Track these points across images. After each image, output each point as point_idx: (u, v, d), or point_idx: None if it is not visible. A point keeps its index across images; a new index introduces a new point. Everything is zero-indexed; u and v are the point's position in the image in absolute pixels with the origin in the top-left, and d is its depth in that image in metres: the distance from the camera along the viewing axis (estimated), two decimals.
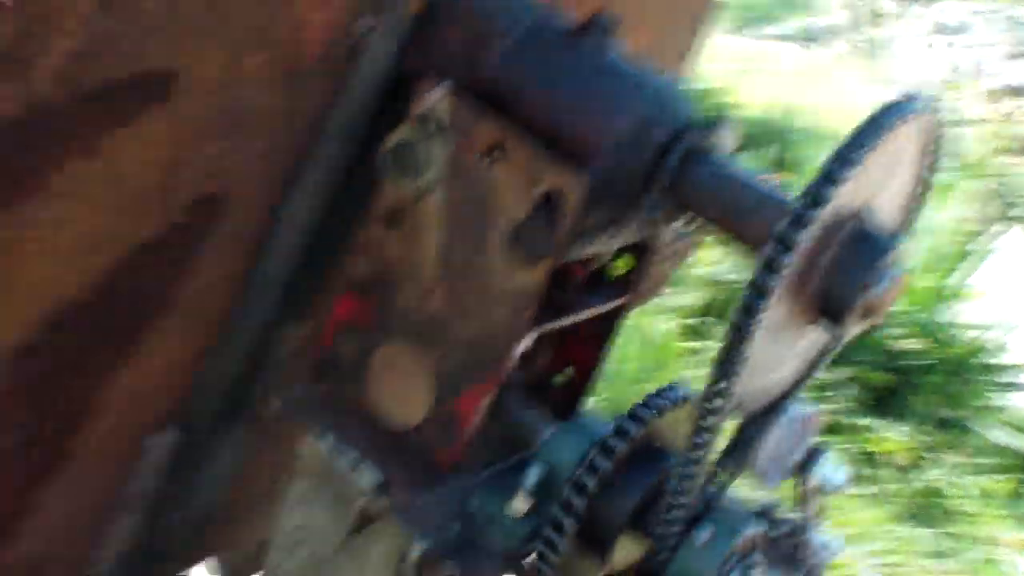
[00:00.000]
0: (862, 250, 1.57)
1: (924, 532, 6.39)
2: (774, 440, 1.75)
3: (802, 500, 1.81)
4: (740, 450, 1.76)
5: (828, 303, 1.58)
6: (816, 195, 1.47)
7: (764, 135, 10.31)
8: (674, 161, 1.68)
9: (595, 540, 1.77)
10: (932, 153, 1.68)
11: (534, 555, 1.72)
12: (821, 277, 1.57)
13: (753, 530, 1.73)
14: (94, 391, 1.82)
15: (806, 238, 1.47)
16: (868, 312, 1.58)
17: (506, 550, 1.73)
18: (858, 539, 6.12)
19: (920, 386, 7.39)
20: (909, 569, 6.02)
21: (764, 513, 1.97)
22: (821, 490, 1.81)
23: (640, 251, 1.93)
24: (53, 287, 1.62)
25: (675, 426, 1.78)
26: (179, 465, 2.01)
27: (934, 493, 6.76)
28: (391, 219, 1.81)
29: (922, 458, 6.88)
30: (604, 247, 1.78)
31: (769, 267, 1.47)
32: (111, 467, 1.95)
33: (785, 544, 1.94)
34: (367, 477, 1.81)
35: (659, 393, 1.76)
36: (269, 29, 1.64)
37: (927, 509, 6.64)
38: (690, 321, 6.96)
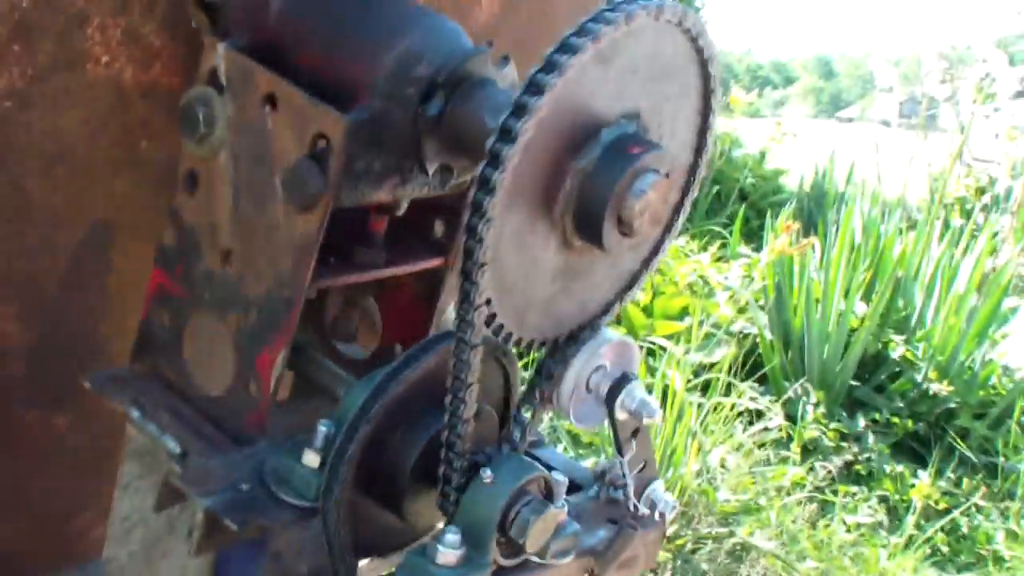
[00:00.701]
0: (610, 156, 1.52)
1: None
2: (578, 372, 1.70)
3: (617, 437, 1.75)
4: (543, 384, 1.71)
5: (580, 217, 1.53)
6: (534, 82, 1.43)
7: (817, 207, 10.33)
8: (435, 93, 1.64)
9: (389, 498, 1.72)
10: (706, 79, 1.63)
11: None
12: (571, 189, 1.52)
13: (546, 476, 1.66)
14: None
15: (527, 127, 1.42)
16: (624, 225, 1.53)
17: (298, 502, 1.68)
18: None
19: (951, 431, 7.25)
20: None
21: (598, 475, 1.92)
22: (633, 422, 1.74)
23: (451, 212, 1.90)
24: None
25: None
26: None
27: (965, 538, 6.59)
28: (188, 182, 1.80)
29: (954, 503, 6.72)
30: (391, 195, 1.75)
31: (493, 160, 1.43)
32: None
33: (616, 505, 1.89)
34: (169, 446, 1.78)
35: (441, 336, 1.71)
36: None
37: (958, 554, 6.47)
38: (705, 378, 6.87)
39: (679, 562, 5.46)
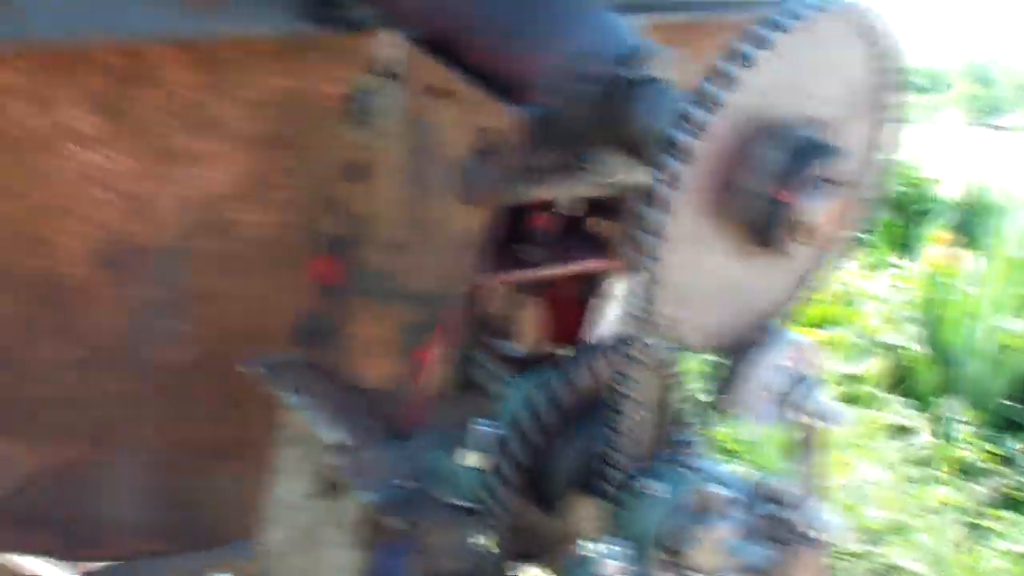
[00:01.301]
0: (787, 161, 1.45)
1: None
2: (758, 372, 1.66)
3: (790, 445, 1.70)
4: (721, 384, 1.67)
5: (754, 221, 1.48)
6: (703, 93, 1.38)
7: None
8: (608, 91, 1.61)
9: (549, 503, 1.71)
10: (884, 79, 1.58)
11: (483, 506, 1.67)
12: (746, 193, 1.48)
13: (711, 490, 1.63)
14: None
15: (710, 122, 1.38)
16: (802, 231, 1.47)
17: (457, 502, 1.67)
18: None
19: None
20: None
21: (764, 489, 1.87)
22: (812, 423, 1.69)
23: (619, 214, 1.87)
24: None
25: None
26: None
27: None
28: (354, 173, 1.80)
29: None
30: (558, 193, 1.72)
31: (673, 158, 1.39)
32: None
33: (775, 521, 1.84)
34: (328, 436, 1.79)
35: (592, 348, 1.69)
36: None
37: None
38: (852, 390, 6.75)
39: None
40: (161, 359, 2.13)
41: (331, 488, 1.82)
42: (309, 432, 1.85)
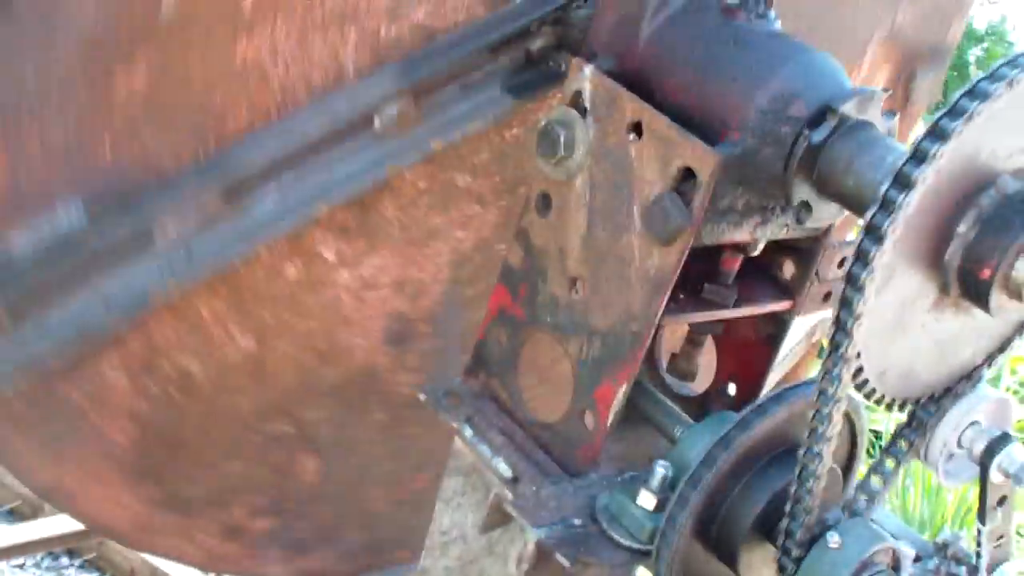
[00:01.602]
0: (1003, 218, 1.41)
1: None
2: (952, 426, 1.61)
3: (984, 502, 1.65)
4: (912, 435, 1.63)
5: (966, 278, 1.44)
6: (919, 149, 1.34)
7: None
8: (812, 134, 1.58)
9: (724, 550, 1.67)
10: None
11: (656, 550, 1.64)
12: (960, 249, 1.44)
13: (894, 546, 1.59)
14: None
15: (923, 177, 1.33)
16: (1016, 291, 1.43)
17: (630, 543, 1.65)
18: None
19: None
20: None
21: (939, 547, 1.83)
22: (1006, 484, 1.64)
23: (804, 255, 1.84)
24: None
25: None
26: None
27: None
28: (541, 204, 1.79)
29: None
30: (751, 235, 1.70)
31: (885, 208, 1.35)
32: None
33: None
34: (500, 469, 1.77)
35: (792, 388, 1.65)
36: None
37: None
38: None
39: None
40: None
41: (499, 522, 1.80)
42: (478, 463, 1.83)
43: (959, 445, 1.61)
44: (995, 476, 1.60)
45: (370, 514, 2.53)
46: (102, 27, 1.73)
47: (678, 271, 1.64)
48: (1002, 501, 1.63)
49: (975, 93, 1.34)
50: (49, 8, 1.69)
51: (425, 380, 2.26)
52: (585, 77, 1.72)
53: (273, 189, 1.89)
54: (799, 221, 1.70)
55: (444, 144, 1.95)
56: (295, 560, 2.50)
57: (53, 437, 2.06)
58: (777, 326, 1.90)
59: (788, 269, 1.86)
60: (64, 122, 1.77)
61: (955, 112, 1.33)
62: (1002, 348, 1.61)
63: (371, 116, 1.90)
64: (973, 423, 1.61)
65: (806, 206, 1.68)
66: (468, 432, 1.83)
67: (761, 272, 1.87)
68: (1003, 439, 1.60)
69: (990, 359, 1.62)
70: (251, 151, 1.88)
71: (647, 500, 1.65)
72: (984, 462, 1.60)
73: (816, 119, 1.60)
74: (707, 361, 2.02)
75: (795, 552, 1.59)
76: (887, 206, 1.34)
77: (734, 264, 1.78)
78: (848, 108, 1.60)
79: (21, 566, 4.95)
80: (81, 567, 5.00)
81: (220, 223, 1.89)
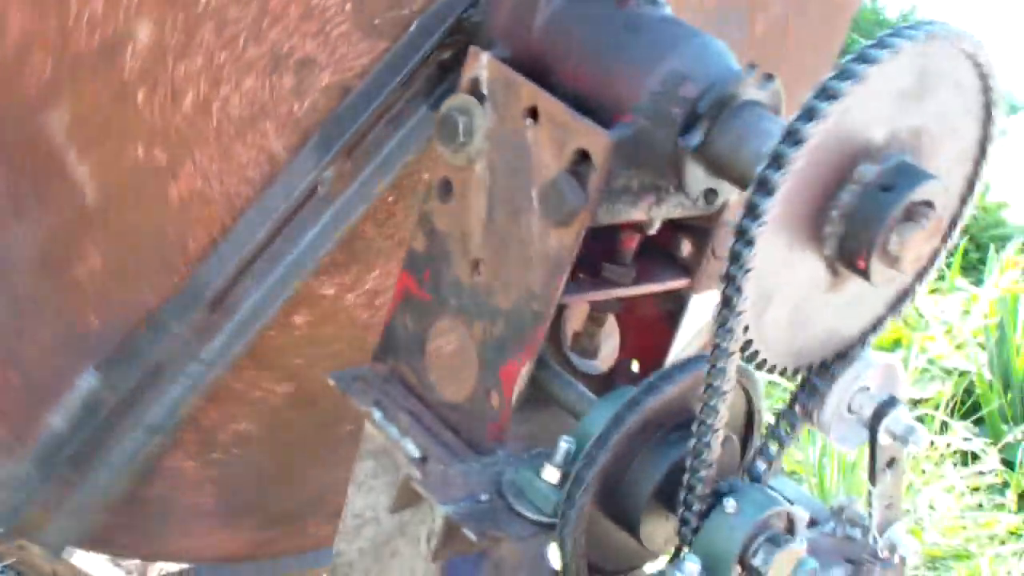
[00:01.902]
0: (883, 188, 1.46)
1: None
2: (842, 391, 1.66)
3: (874, 464, 1.70)
4: (806, 399, 1.68)
5: (846, 248, 1.49)
6: (792, 130, 1.39)
7: None
8: (702, 114, 1.62)
9: (626, 519, 1.72)
10: (983, 100, 1.56)
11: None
12: (840, 219, 1.48)
13: (788, 510, 1.63)
14: None
15: (799, 154, 1.38)
16: (895, 259, 1.47)
17: (537, 517, 1.69)
18: None
19: None
20: None
21: (836, 511, 1.88)
22: (897, 447, 1.69)
23: (700, 233, 1.88)
24: None
25: None
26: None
27: None
28: (443, 191, 1.82)
29: None
30: (647, 215, 1.74)
31: (762, 185, 1.39)
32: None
33: (853, 543, 1.84)
34: (408, 450, 1.80)
35: (686, 363, 1.69)
36: None
37: None
38: (917, 413, 6.67)
39: None
40: None
41: (409, 501, 1.82)
42: (388, 446, 1.86)
43: (849, 410, 1.65)
44: (883, 439, 1.65)
45: None
46: (43, 244, 1.90)
47: (576, 251, 1.68)
48: (891, 463, 1.68)
49: (844, 74, 1.38)
50: None
51: None
52: (482, 65, 1.75)
53: (251, 284, 2.00)
54: (707, 203, 1.74)
55: (388, 183, 2.01)
56: None
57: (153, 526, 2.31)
58: (676, 303, 1.94)
59: (685, 247, 1.90)
60: (47, 321, 1.99)
61: (824, 93, 1.38)
62: (886, 315, 1.66)
63: (314, 185, 1.97)
64: (862, 388, 1.65)
65: (711, 191, 1.73)
66: (377, 415, 1.86)
67: (659, 251, 1.90)
68: (890, 403, 1.65)
69: (876, 326, 1.66)
70: (219, 263, 1.99)
71: (551, 475, 1.68)
72: (873, 425, 1.64)
73: (704, 100, 1.64)
74: (615, 340, 2.05)
75: (693, 519, 1.63)
76: (763, 185, 1.39)
77: (632, 243, 1.82)
78: (735, 88, 1.64)
79: None
80: (2, 572, 4.95)
81: (215, 331, 2.02)
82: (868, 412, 1.65)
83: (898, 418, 1.65)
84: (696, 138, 1.64)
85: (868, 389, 1.67)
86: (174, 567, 3.05)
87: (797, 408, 1.68)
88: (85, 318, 2.00)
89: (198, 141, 1.89)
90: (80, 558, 4.49)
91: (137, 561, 4.21)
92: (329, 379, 1.93)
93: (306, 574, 3.06)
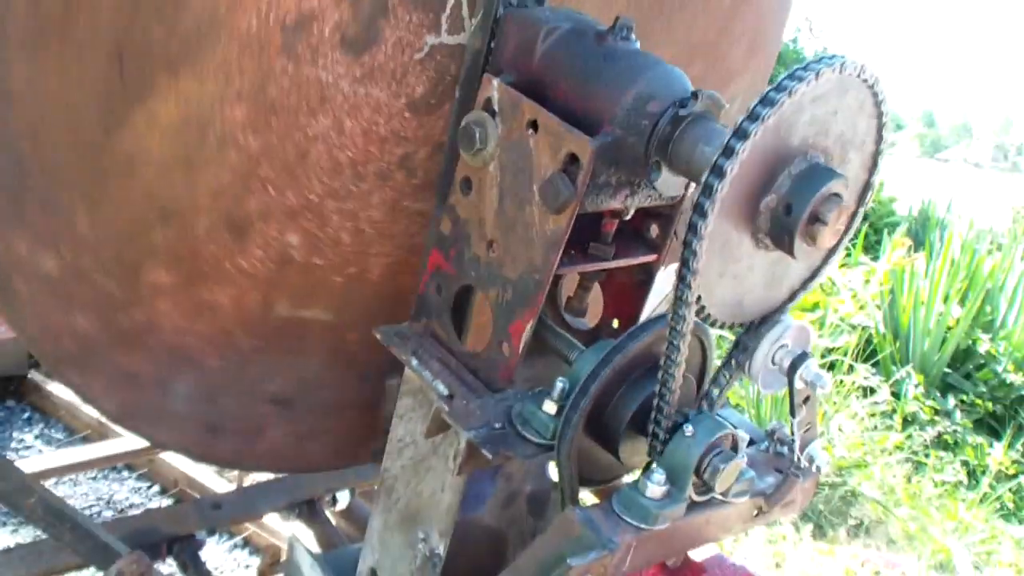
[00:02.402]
0: (803, 183, 1.42)
1: (1016, 527, 5.91)
2: (767, 349, 1.61)
3: (793, 401, 1.65)
4: (739, 355, 1.62)
5: (776, 231, 1.44)
6: (739, 128, 1.35)
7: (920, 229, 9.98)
8: (665, 125, 1.56)
9: (609, 441, 1.66)
10: (878, 118, 1.51)
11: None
12: (770, 208, 1.43)
13: (733, 433, 1.58)
14: None
15: (734, 164, 1.34)
16: (813, 238, 1.43)
17: (538, 440, 1.63)
18: (962, 532, 5.69)
19: (1021, 411, 6.94)
20: (1000, 556, 5.56)
21: (769, 433, 1.83)
22: (808, 389, 1.64)
23: (665, 219, 1.82)
24: None
25: None
26: None
27: None
28: (464, 186, 1.76)
29: (1021, 469, 6.40)
30: (623, 204, 1.68)
31: (715, 170, 1.35)
32: None
33: (781, 458, 1.79)
34: (439, 389, 1.75)
35: (654, 320, 1.64)
36: None
37: (1020, 510, 6.18)
38: (830, 359, 6.66)
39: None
40: None
41: (439, 429, 1.78)
42: (423, 386, 1.81)
43: (772, 363, 1.61)
44: (798, 384, 1.61)
45: None
46: None
47: (568, 233, 1.62)
48: (806, 400, 1.63)
49: (780, 88, 1.33)
50: None
51: None
52: (494, 88, 1.69)
53: None
54: (658, 191, 1.68)
55: None
56: None
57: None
58: (647, 274, 1.88)
59: (654, 230, 1.84)
60: None
61: (766, 102, 1.33)
62: (803, 286, 1.61)
63: None
64: (782, 346, 1.61)
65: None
66: (414, 362, 1.81)
67: (633, 232, 1.84)
68: (802, 356, 1.61)
69: (794, 295, 1.62)
70: None
71: (550, 407, 1.63)
72: (790, 375, 1.60)
73: (669, 114, 1.58)
74: (599, 303, 2.00)
75: (661, 439, 1.58)
76: (716, 172, 1.34)
77: (612, 227, 1.76)
78: (691, 104, 1.58)
79: (94, 478, 4.89)
80: (138, 478, 4.95)
81: None
82: (786, 364, 1.61)
83: (809, 368, 1.61)
84: (661, 143, 1.58)
85: (786, 346, 1.62)
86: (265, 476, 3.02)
87: (733, 361, 1.63)
88: None
89: None
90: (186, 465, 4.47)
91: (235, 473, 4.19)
92: (376, 334, 1.86)
93: (362, 484, 3.03)
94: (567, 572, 1.50)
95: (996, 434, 6.81)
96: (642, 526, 1.53)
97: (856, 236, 8.64)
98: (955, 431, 6.58)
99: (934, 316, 7.01)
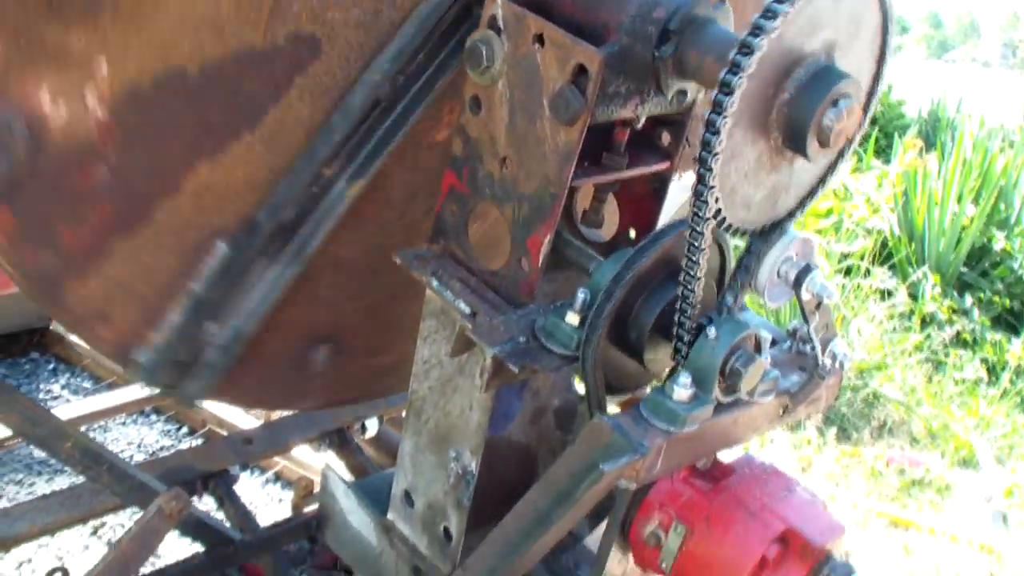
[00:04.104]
0: (815, 84, 1.42)
1: None
2: (772, 263, 1.62)
3: (802, 311, 1.66)
4: (750, 259, 1.63)
5: (789, 131, 1.44)
6: (756, 26, 1.35)
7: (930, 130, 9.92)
8: (672, 30, 1.56)
9: (633, 348, 1.68)
10: (885, 22, 1.51)
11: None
12: (783, 110, 1.43)
13: (755, 333, 1.59)
14: (182, 168, 1.77)
15: (751, 63, 1.34)
16: (824, 139, 1.43)
17: (563, 351, 1.65)
18: (983, 427, 5.73)
19: None
20: (1021, 450, 5.62)
21: (791, 332, 1.84)
22: (815, 300, 1.65)
23: (677, 126, 1.82)
24: (172, 49, 1.63)
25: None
26: (223, 278, 1.91)
27: None
28: (473, 105, 1.76)
29: None
30: (634, 113, 1.68)
31: (724, 87, 1.35)
32: (175, 253, 1.86)
33: (804, 357, 1.81)
34: (461, 308, 1.77)
35: (672, 225, 1.65)
36: None
37: None
38: (847, 264, 6.67)
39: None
40: None
41: (464, 348, 1.79)
42: (445, 307, 1.82)
43: (778, 276, 1.63)
44: (805, 296, 1.63)
45: None
46: None
47: (580, 144, 1.61)
48: (818, 306, 1.65)
49: None
50: None
51: None
52: (498, 5, 1.68)
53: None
54: (678, 103, 1.68)
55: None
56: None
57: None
58: (661, 182, 1.88)
59: (665, 138, 1.84)
60: None
61: (770, 14, 1.35)
62: (811, 194, 1.62)
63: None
64: (787, 259, 1.62)
65: (682, 92, 1.67)
66: (435, 283, 1.82)
67: (645, 141, 1.84)
68: (807, 269, 1.63)
69: (802, 204, 1.63)
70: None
71: (573, 318, 1.65)
72: (795, 286, 1.62)
73: (673, 20, 1.57)
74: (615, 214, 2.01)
75: (685, 344, 1.59)
76: (726, 87, 1.36)
77: (623, 136, 1.76)
78: (696, 9, 1.57)
79: (124, 424, 4.95)
80: (166, 421, 5.01)
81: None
82: (792, 277, 1.63)
83: (814, 280, 1.63)
84: (669, 49, 1.57)
85: (791, 258, 1.63)
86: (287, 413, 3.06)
87: (743, 268, 1.65)
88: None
89: None
90: (213, 406, 4.53)
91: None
92: (395, 258, 1.87)
93: (390, 411, 3.07)
94: (600, 478, 1.53)
95: (1014, 330, 6.82)
96: (671, 429, 1.56)
97: (866, 141, 8.57)
98: (973, 329, 6.60)
99: (948, 216, 6.99)
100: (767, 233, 1.61)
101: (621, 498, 1.67)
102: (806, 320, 1.66)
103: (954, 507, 5.09)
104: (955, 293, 6.84)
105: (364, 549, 2.19)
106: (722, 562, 1.66)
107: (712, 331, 1.57)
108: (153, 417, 5.00)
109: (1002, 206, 7.44)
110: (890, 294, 6.42)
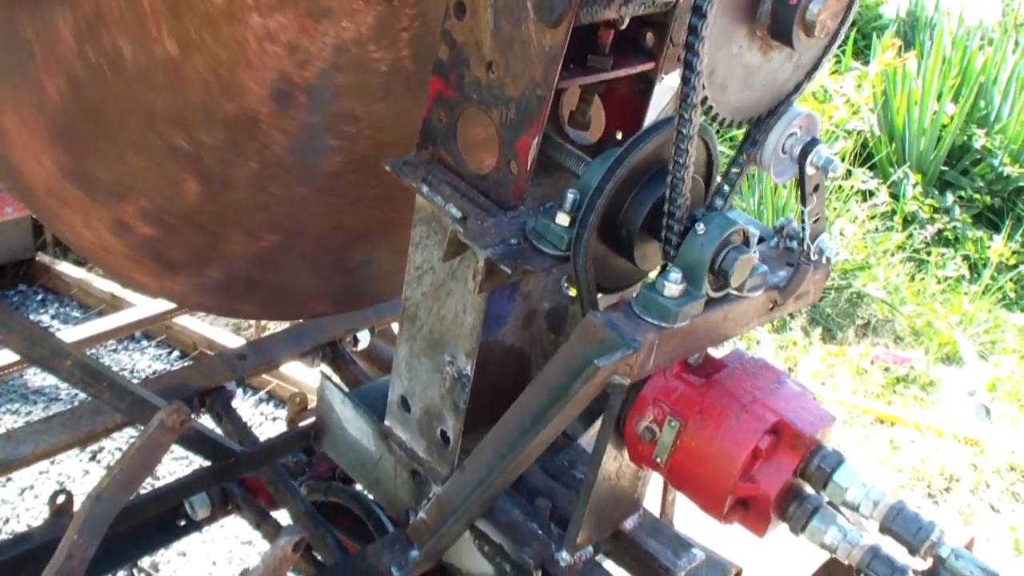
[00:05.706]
0: None
1: (1018, 316, 6.04)
2: (776, 137, 1.63)
3: (804, 190, 1.68)
4: (749, 149, 1.65)
5: (773, 22, 1.45)
6: None
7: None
8: None
9: (623, 246, 1.70)
10: None
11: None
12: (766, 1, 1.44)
13: (743, 228, 1.62)
14: None
15: None
16: (808, 28, 1.44)
17: (554, 252, 1.67)
18: (966, 324, 5.82)
19: (1021, 204, 6.99)
20: (1004, 344, 5.70)
21: (778, 229, 1.86)
22: (820, 175, 1.67)
23: (660, 26, 1.82)
24: None
25: None
26: None
27: None
28: (457, 10, 1.75)
29: (1021, 259, 6.49)
30: (618, 13, 1.68)
31: None
32: None
33: (791, 253, 1.84)
34: (452, 212, 1.78)
35: (660, 123, 1.66)
36: None
37: (1021, 299, 6.30)
38: None
39: (810, 307, 5.43)
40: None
41: (456, 252, 1.81)
42: (436, 212, 1.83)
43: (783, 151, 1.64)
44: (809, 170, 1.63)
45: (228, 255, 2.26)
46: None
47: (565, 46, 1.61)
48: (816, 188, 1.66)
49: None
50: None
51: (292, 149, 2.07)
52: None
53: None
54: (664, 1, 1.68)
55: None
56: (162, 277, 2.26)
57: (3, 69, 1.87)
58: (646, 83, 1.89)
59: (650, 38, 1.84)
60: None
61: None
62: (807, 77, 1.63)
63: None
64: (791, 134, 1.63)
65: None
66: (425, 189, 1.83)
67: (629, 42, 1.83)
68: (812, 142, 1.63)
69: (799, 86, 1.63)
70: None
71: (563, 219, 1.66)
72: (800, 160, 1.63)
73: None
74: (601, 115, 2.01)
75: (674, 240, 1.62)
76: None
77: (608, 37, 1.76)
78: None
79: (115, 350, 4.97)
80: (157, 346, 5.03)
81: None
82: (797, 151, 1.64)
83: (819, 152, 1.64)
84: None
85: (796, 134, 1.64)
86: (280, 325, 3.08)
87: (743, 156, 1.66)
88: None
89: None
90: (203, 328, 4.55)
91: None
92: (384, 165, 1.88)
93: (381, 323, 3.09)
94: (595, 373, 1.57)
95: (995, 227, 6.88)
96: (663, 324, 1.59)
97: (845, 42, 8.52)
98: (955, 227, 6.65)
99: (928, 115, 6.99)
100: (764, 119, 1.62)
101: (615, 394, 1.71)
102: (803, 200, 1.68)
103: (938, 402, 5.19)
104: (936, 192, 6.88)
105: (363, 456, 2.23)
106: (716, 454, 1.70)
107: (701, 227, 1.59)
108: (144, 343, 5.02)
109: (982, 103, 7.45)
110: (872, 194, 6.45)
